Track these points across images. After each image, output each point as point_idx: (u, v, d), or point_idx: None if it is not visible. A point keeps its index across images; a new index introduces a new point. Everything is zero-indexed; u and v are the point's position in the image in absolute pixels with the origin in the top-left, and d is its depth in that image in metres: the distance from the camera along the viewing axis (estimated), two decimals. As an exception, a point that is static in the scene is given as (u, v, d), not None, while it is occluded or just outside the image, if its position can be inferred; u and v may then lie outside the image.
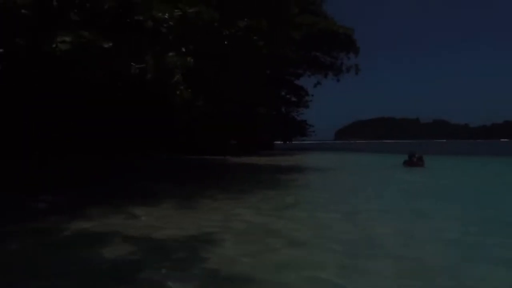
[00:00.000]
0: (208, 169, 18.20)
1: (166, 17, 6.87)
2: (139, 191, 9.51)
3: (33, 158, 12.06)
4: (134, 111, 17.02)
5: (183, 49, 8.17)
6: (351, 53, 42.29)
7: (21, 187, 8.73)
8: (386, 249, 4.68)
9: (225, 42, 10.66)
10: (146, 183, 11.07)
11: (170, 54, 7.48)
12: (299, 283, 3.51)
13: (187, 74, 9.41)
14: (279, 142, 56.38)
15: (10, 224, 5.78)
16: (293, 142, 62.01)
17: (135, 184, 11.02)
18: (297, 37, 37.88)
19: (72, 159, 14.00)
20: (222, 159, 23.62)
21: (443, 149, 48.75)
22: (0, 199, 7.46)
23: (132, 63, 7.63)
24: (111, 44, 6.51)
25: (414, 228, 5.95)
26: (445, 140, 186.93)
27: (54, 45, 6.14)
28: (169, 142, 23.03)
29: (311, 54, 43.91)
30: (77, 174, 12.03)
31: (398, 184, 12.54)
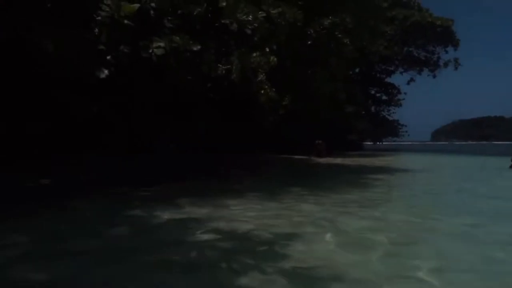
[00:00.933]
0: (290, 168, 18.30)
1: (250, 19, 7.14)
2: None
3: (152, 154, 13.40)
4: (225, 112, 17.89)
5: (267, 49, 8.41)
6: (450, 46, 39.19)
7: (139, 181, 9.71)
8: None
9: (309, 42, 10.69)
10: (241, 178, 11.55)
11: (254, 54, 7.76)
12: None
13: (272, 74, 9.68)
14: (369, 142, 54.41)
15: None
16: (383, 142, 59.38)
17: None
18: (389, 32, 36.38)
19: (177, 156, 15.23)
20: (307, 159, 23.58)
21: None
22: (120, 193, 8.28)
23: (219, 65, 8.11)
24: (199, 47, 6.97)
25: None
26: None
27: (150, 51, 6.76)
28: (258, 141, 23.68)
29: (404, 49, 41.67)
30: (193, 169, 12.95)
31: (495, 191, 10.60)
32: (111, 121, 13.77)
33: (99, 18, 6.72)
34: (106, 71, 6.89)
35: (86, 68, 7.01)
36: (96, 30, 7.34)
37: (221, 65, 8.04)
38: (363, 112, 43.03)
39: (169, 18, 8.06)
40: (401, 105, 48.05)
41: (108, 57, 7.29)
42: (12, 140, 10.68)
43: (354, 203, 7.52)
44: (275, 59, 7.97)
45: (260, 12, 7.52)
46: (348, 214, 6.37)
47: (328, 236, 4.96)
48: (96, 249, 4.24)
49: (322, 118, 29.53)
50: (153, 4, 7.40)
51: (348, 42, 13.50)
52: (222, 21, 7.54)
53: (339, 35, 12.88)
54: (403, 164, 22.54)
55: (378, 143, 55.71)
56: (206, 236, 4.86)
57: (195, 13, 7.48)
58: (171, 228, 5.36)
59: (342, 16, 12.54)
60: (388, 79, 47.10)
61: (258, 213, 6.39)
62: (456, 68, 40.55)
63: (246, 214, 6.24)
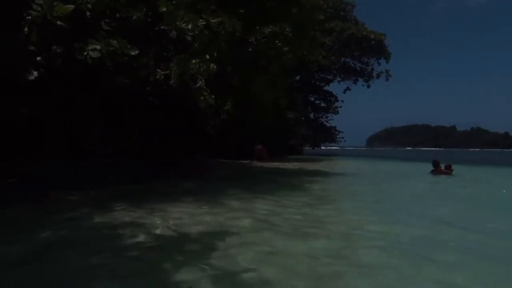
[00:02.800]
0: (231, 170, 18.51)
1: (190, 27, 7.22)
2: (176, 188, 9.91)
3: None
4: (168, 116, 17.68)
5: (207, 56, 8.52)
6: (382, 58, 41.83)
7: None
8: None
9: (249, 49, 10.97)
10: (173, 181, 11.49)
11: (194, 61, 7.83)
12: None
13: (213, 80, 9.80)
14: (308, 147, 56.29)
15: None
16: (321, 148, 61.67)
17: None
18: (328, 43, 38.01)
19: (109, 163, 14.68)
20: (248, 163, 23.93)
21: (480, 158, 47.02)
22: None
23: (158, 70, 8.08)
24: (137, 51, 6.91)
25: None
26: (478, 149, 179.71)
27: (85, 53, 6.60)
28: (201, 147, 23.61)
29: (342, 59, 43.77)
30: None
31: (413, 189, 12.54)
32: (43, 124, 13.09)
33: (30, 17, 6.43)
34: (35, 73, 6.60)
35: (14, 68, 6.66)
36: (26, 29, 7.02)
37: (159, 70, 8.02)
38: (303, 118, 44.48)
39: (107, 20, 7.90)
40: (338, 112, 50.33)
41: (39, 58, 6.99)
42: None
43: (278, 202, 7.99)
44: (215, 66, 8.10)
45: (200, 20, 7.61)
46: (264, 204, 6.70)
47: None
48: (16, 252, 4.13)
49: (265, 124, 30.17)
50: (89, 6, 7.22)
51: (287, 50, 14.00)
52: (162, 27, 7.54)
53: (279, 44, 13.32)
54: (337, 168, 23.72)
55: (316, 148, 57.78)
56: (133, 238, 4.89)
57: (134, 18, 7.41)
58: (99, 231, 5.32)
59: (282, 25, 12.99)
60: (326, 87, 49.17)
61: (190, 214, 6.53)
62: (387, 79, 43.29)
63: (178, 216, 6.33)
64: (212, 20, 8.07)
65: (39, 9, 6.39)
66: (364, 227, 6.07)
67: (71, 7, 6.81)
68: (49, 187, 9.15)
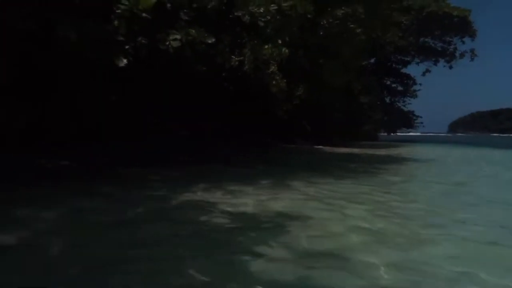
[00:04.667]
0: (302, 155, 18.54)
1: (262, 11, 7.42)
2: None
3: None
4: (240, 102, 18.27)
5: (279, 41, 8.68)
6: (467, 36, 38.57)
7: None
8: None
9: (321, 32, 10.90)
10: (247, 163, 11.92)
11: (266, 46, 8.04)
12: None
13: (285, 65, 9.97)
14: (383, 133, 54.17)
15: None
16: (398, 133, 58.94)
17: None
18: (405, 22, 35.96)
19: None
20: (320, 148, 23.78)
21: None
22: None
23: (232, 56, 8.44)
24: (214, 39, 7.30)
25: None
26: None
27: (167, 43, 7.12)
28: (273, 130, 23.99)
29: (420, 39, 41.18)
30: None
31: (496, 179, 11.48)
32: (128, 108, 14.27)
33: (119, 11, 7.09)
34: (125, 60, 7.28)
35: (107, 56, 7.41)
36: (116, 22, 7.74)
37: (234, 57, 8.36)
38: (378, 103, 42.84)
39: (185, 11, 8.40)
40: (416, 96, 47.67)
41: (127, 47, 7.69)
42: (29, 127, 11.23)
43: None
44: (287, 50, 8.24)
45: (272, 5, 7.79)
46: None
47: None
48: (112, 222, 4.69)
49: (337, 108, 29.67)
50: (169, -2, 7.74)
51: (360, 32, 13.63)
52: (235, 13, 7.84)
53: (351, 25, 13.02)
54: (417, 155, 22.62)
55: (392, 134, 55.37)
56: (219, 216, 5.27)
57: (209, 6, 7.79)
58: (180, 208, 5.77)
59: (355, 6, 12.67)
60: (403, 70, 46.70)
61: (264, 196, 6.80)
62: (472, 59, 39.94)
63: (254, 198, 6.63)
64: (283, 4, 8.19)
65: (126, 3, 7.05)
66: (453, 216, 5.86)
67: (154, 0, 7.40)
68: (133, 165, 10.02)
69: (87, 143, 12.60)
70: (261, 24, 7.99)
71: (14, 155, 9.73)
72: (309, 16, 9.07)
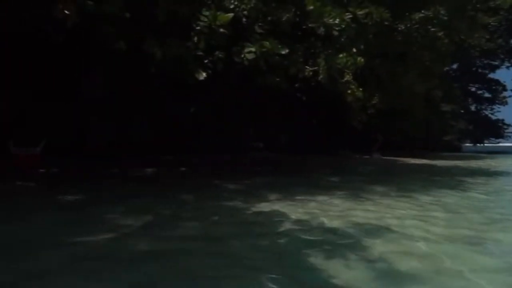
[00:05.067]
0: (376, 166, 17.81)
1: (337, 22, 7.33)
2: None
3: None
4: (314, 112, 18.19)
5: (354, 50, 8.49)
6: None
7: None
8: None
9: (399, 38, 10.46)
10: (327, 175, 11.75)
11: (341, 55, 7.91)
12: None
13: (360, 73, 9.72)
14: (468, 144, 50.00)
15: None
16: (485, 144, 54.06)
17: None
18: (493, 23, 33.17)
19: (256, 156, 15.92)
20: (394, 160, 22.66)
21: None
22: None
23: (306, 66, 8.43)
24: (287, 50, 7.36)
25: None
26: None
27: (242, 55, 7.33)
28: (346, 141, 23.45)
29: (511, 41, 37.66)
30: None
31: None
32: (205, 121, 14.91)
33: (198, 28, 7.47)
34: (204, 74, 7.63)
35: (187, 70, 7.83)
36: (195, 38, 8.17)
37: (308, 67, 8.35)
38: (462, 111, 39.81)
39: (260, 24, 8.59)
40: (507, 103, 43.42)
41: (206, 61, 8.07)
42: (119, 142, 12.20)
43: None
44: (362, 59, 8.01)
45: (346, 14, 7.66)
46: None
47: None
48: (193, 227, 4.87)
49: (416, 118, 28.09)
50: (245, 12, 7.98)
51: (442, 35, 12.82)
52: (309, 25, 7.84)
53: (432, 29, 12.30)
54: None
55: (479, 144, 50.88)
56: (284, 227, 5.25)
57: (283, 19, 7.89)
58: (255, 218, 5.83)
59: (436, 8, 11.95)
60: (491, 75, 42.94)
61: (339, 208, 6.63)
62: None
63: (328, 209, 6.50)
64: (358, 12, 8.02)
65: (205, 19, 7.41)
66: None
67: (230, 15, 7.68)
68: (210, 176, 10.41)
69: (171, 154, 13.40)
70: (335, 33, 7.88)
71: (102, 162, 10.63)
72: (385, 23, 8.78)
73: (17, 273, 3.27)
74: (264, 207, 6.58)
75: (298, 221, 5.53)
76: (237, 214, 6.10)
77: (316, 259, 3.90)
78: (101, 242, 4.26)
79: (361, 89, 9.41)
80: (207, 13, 7.36)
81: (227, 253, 4.05)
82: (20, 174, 8.60)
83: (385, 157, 22.38)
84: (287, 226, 5.29)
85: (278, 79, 8.12)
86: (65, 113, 10.90)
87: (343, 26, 7.75)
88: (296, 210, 6.31)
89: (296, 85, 11.70)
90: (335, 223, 5.44)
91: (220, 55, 8.34)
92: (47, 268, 3.42)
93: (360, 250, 4.21)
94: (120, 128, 12.00)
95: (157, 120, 12.83)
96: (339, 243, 4.54)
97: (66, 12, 6.88)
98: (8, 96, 9.78)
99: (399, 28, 11.69)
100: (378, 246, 4.36)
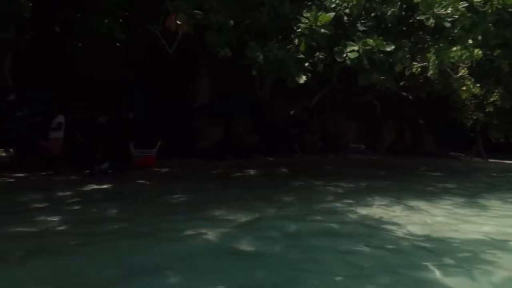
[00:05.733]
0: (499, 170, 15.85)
1: (450, 12, 6.74)
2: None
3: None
4: (421, 111, 17.03)
5: (470, 41, 7.71)
6: None
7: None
8: None
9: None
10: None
11: (454, 48, 7.25)
12: None
13: (475, 67, 8.79)
14: None
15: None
16: None
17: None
18: None
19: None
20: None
21: None
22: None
23: (413, 62, 7.90)
24: (393, 47, 6.99)
25: None
26: None
27: (344, 55, 7.17)
28: (458, 141, 21.45)
29: None
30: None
31: None
32: (303, 123, 14.94)
33: (299, 30, 7.50)
34: (304, 77, 7.62)
35: (288, 74, 7.90)
36: (296, 40, 8.21)
37: (415, 63, 7.83)
38: None
39: (362, 21, 8.31)
40: None
41: (306, 64, 8.04)
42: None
43: None
44: (480, 52, 7.23)
45: (461, 2, 6.98)
46: None
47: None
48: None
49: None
50: (347, 11, 7.78)
51: None
52: (417, 18, 7.34)
53: None
54: None
55: None
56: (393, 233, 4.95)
57: (388, 13, 7.51)
58: (361, 223, 5.62)
59: None
60: None
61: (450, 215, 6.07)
62: None
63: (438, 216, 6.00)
64: (475, 0, 7.27)
65: (306, 21, 7.40)
66: None
67: (332, 14, 7.57)
68: (311, 177, 10.34)
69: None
70: (447, 25, 7.24)
71: (210, 163, 11.29)
72: (510, 9, 7.81)
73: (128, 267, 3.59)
74: (372, 212, 6.32)
75: (414, 231, 5.20)
76: (342, 217, 5.97)
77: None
78: (209, 237, 4.53)
79: (478, 85, 8.50)
80: (308, 14, 7.36)
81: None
82: (139, 173, 9.55)
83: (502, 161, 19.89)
84: (401, 235, 5.00)
85: (383, 78, 7.74)
86: (176, 117, 11.84)
87: (457, 16, 7.09)
88: (411, 218, 5.93)
89: (401, 83, 11.03)
90: (455, 235, 4.99)
91: (321, 56, 8.25)
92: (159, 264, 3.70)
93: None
94: (226, 130, 12.65)
95: (259, 121, 13.23)
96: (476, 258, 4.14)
97: (178, 22, 7.50)
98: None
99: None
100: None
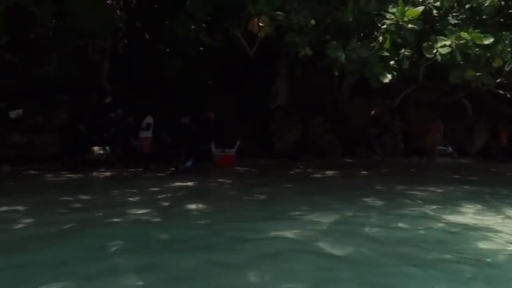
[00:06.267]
0: None
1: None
2: None
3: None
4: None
5: None
6: None
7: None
8: None
9: None
10: None
11: None
12: None
13: None
14: None
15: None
16: None
17: None
18: None
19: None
20: None
21: None
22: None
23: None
24: (492, 40, 6.42)
25: None
26: None
27: (435, 51, 6.73)
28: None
29: None
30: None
31: None
32: (387, 123, 14.30)
33: (385, 26, 7.21)
34: (389, 76, 7.31)
35: (371, 73, 7.64)
36: (380, 37, 7.90)
37: (513, 57, 7.12)
38: None
39: (454, 14, 7.75)
40: None
41: (391, 62, 7.70)
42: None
43: None
44: None
45: None
46: None
47: None
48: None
49: None
50: (437, 4, 7.32)
51: None
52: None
53: None
54: None
55: None
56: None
57: (486, 4, 6.90)
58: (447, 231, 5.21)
59: None
60: None
61: None
62: None
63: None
64: None
65: (392, 17, 7.10)
66: None
67: (420, 8, 7.17)
68: (393, 179, 9.81)
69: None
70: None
71: (288, 162, 11.32)
72: None
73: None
74: (462, 219, 5.84)
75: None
76: (429, 223, 5.58)
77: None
78: (292, 236, 4.52)
79: None
80: (394, 9, 7.05)
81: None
82: (220, 172, 9.88)
83: None
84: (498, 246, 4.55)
85: (478, 74, 7.13)
86: (255, 117, 12.05)
87: None
88: (507, 228, 5.38)
89: (498, 80, 10.06)
90: None
91: (406, 53, 7.86)
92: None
93: None
94: (304, 131, 12.58)
95: (338, 122, 12.96)
96: None
97: (260, 24, 7.62)
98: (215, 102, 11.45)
99: None
100: None
